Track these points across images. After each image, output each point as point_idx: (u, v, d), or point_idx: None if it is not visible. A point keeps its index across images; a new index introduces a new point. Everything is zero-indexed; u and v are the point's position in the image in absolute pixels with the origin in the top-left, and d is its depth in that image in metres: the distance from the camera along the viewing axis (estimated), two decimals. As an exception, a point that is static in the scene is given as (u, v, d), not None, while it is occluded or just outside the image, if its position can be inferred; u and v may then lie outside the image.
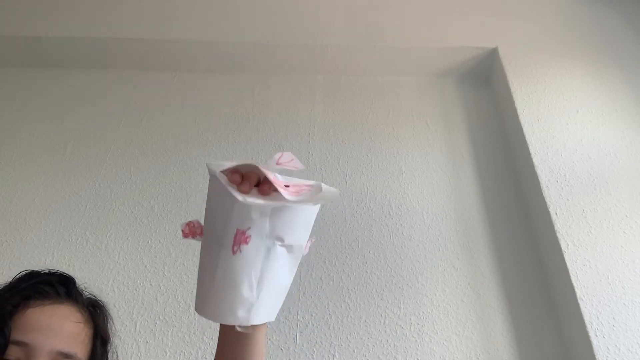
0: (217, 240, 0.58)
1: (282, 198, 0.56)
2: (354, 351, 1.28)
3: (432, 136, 1.73)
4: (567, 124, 1.59)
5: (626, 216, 1.37)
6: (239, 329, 0.61)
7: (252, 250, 0.58)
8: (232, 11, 1.96)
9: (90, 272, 1.40)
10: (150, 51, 1.89)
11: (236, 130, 1.75)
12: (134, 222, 1.51)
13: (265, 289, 0.60)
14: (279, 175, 0.61)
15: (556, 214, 1.38)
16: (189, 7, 1.97)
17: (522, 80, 1.71)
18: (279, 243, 0.59)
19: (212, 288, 0.59)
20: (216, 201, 0.59)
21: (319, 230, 1.49)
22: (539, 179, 1.45)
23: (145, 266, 1.42)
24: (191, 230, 0.62)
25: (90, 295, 0.74)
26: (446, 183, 1.60)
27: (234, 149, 1.70)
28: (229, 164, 0.58)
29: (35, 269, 0.71)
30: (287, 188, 0.59)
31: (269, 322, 1.31)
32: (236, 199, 0.56)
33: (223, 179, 0.57)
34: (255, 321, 0.60)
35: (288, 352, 1.27)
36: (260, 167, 0.58)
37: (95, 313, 0.73)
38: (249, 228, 0.57)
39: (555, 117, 1.61)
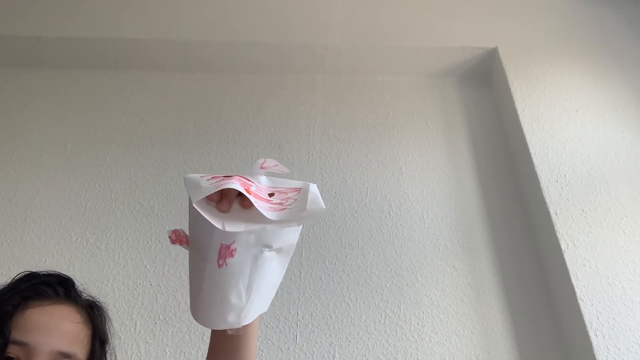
0: (202, 253, 0.56)
1: (264, 218, 0.53)
2: (354, 351, 1.27)
3: (432, 136, 1.73)
4: (567, 124, 1.59)
5: (626, 216, 1.37)
6: (230, 332, 0.60)
7: (239, 261, 0.55)
8: (232, 11, 1.96)
9: (90, 272, 1.40)
10: (150, 51, 1.89)
11: (236, 130, 1.75)
12: (134, 222, 1.51)
13: (255, 292, 0.58)
14: (263, 179, 0.59)
15: (556, 214, 1.38)
16: (189, 7, 1.97)
17: (522, 80, 1.71)
18: (267, 249, 0.56)
19: (200, 297, 0.58)
20: (197, 217, 0.55)
21: (319, 230, 1.49)
22: (539, 179, 1.45)
23: (145, 266, 1.42)
24: (177, 238, 0.60)
25: (88, 297, 0.74)
26: (446, 183, 1.60)
27: (234, 149, 1.70)
28: (207, 184, 0.54)
29: (34, 270, 0.71)
30: (270, 199, 0.56)
31: (269, 322, 1.29)
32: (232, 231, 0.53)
33: (201, 205, 0.54)
34: (246, 322, 0.59)
35: (288, 352, 1.27)
36: (239, 182, 0.54)
37: (93, 314, 0.73)
38: (234, 242, 0.54)
39: (555, 117, 1.61)
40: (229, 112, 1.80)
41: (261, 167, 0.59)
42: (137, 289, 1.37)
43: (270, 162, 0.59)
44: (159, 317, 1.32)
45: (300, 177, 1.61)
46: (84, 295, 0.73)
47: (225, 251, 0.54)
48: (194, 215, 0.55)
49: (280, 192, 0.58)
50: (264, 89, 1.87)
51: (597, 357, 1.13)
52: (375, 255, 1.44)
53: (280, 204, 0.56)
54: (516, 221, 1.52)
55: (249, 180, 0.57)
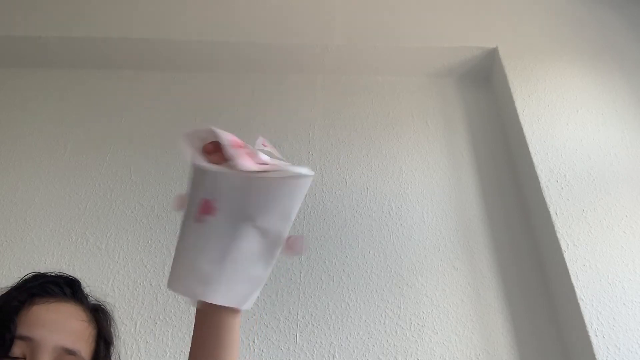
0: (188, 208, 0.58)
1: (248, 170, 0.55)
2: (354, 351, 1.28)
3: (432, 136, 1.73)
4: (567, 124, 1.59)
5: (626, 216, 1.37)
6: (195, 305, 0.59)
7: (218, 223, 0.56)
8: (232, 11, 1.96)
9: (90, 272, 1.40)
10: (150, 51, 1.89)
11: (236, 130, 1.72)
12: (134, 222, 1.51)
13: (230, 268, 0.56)
14: (263, 156, 0.61)
15: (556, 214, 1.38)
16: (189, 7, 1.97)
17: (522, 80, 1.71)
18: (251, 223, 0.56)
19: (176, 258, 0.59)
20: (192, 172, 0.59)
21: (319, 230, 1.49)
22: (539, 179, 1.45)
23: (145, 266, 1.42)
24: (182, 203, 0.62)
25: (95, 300, 0.76)
26: (446, 183, 1.60)
27: (234, 149, 1.69)
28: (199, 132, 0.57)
29: (42, 272, 0.73)
30: (264, 165, 0.58)
31: (269, 322, 1.29)
32: (201, 167, 0.56)
33: (192, 140, 0.57)
34: (212, 299, 0.56)
35: (288, 352, 1.27)
36: (230, 138, 0.58)
37: (99, 315, 0.74)
38: (216, 200, 0.56)
39: (555, 117, 1.61)
40: (229, 112, 1.80)
41: (263, 145, 0.62)
42: (137, 289, 1.37)
43: (268, 143, 0.63)
44: (159, 317, 1.32)
45: (300, 177, 1.61)
46: (91, 298, 0.75)
47: (206, 206, 0.56)
48: (190, 173, 0.58)
49: (273, 165, 0.60)
50: (264, 89, 1.87)
51: (597, 357, 1.13)
52: (375, 255, 1.44)
53: (266, 164, 0.58)
54: (516, 221, 1.52)
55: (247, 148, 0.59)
